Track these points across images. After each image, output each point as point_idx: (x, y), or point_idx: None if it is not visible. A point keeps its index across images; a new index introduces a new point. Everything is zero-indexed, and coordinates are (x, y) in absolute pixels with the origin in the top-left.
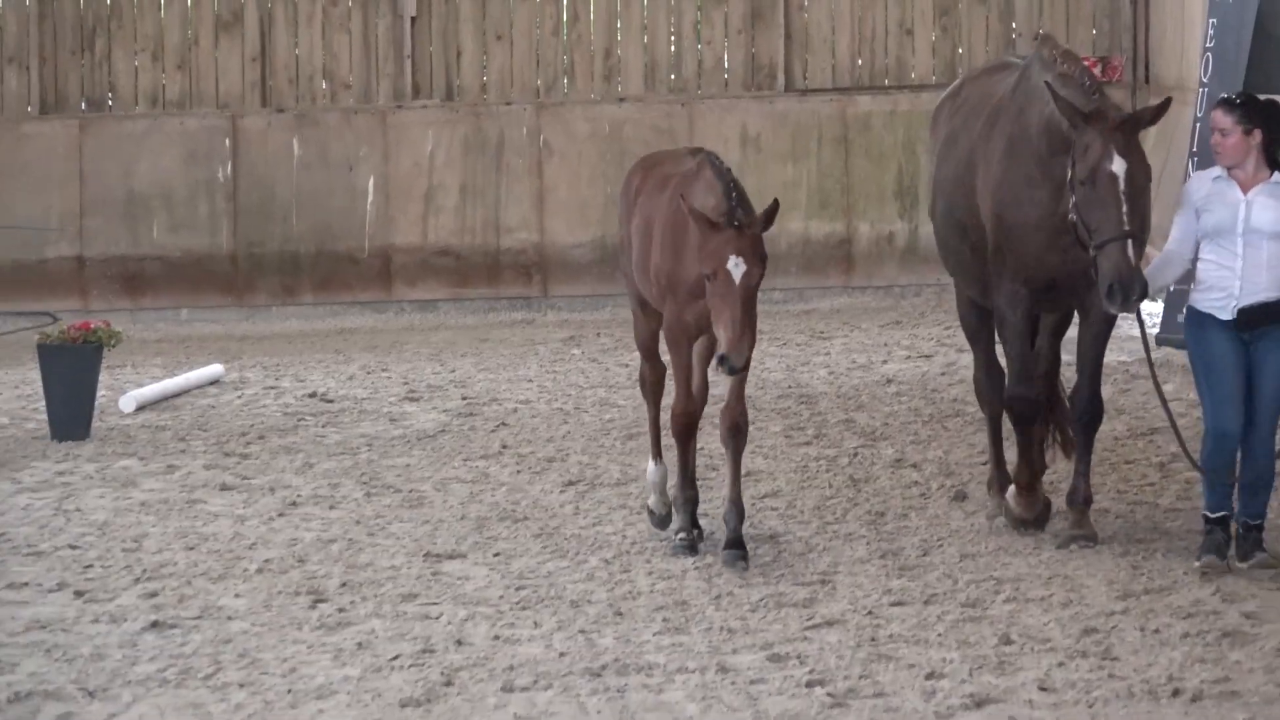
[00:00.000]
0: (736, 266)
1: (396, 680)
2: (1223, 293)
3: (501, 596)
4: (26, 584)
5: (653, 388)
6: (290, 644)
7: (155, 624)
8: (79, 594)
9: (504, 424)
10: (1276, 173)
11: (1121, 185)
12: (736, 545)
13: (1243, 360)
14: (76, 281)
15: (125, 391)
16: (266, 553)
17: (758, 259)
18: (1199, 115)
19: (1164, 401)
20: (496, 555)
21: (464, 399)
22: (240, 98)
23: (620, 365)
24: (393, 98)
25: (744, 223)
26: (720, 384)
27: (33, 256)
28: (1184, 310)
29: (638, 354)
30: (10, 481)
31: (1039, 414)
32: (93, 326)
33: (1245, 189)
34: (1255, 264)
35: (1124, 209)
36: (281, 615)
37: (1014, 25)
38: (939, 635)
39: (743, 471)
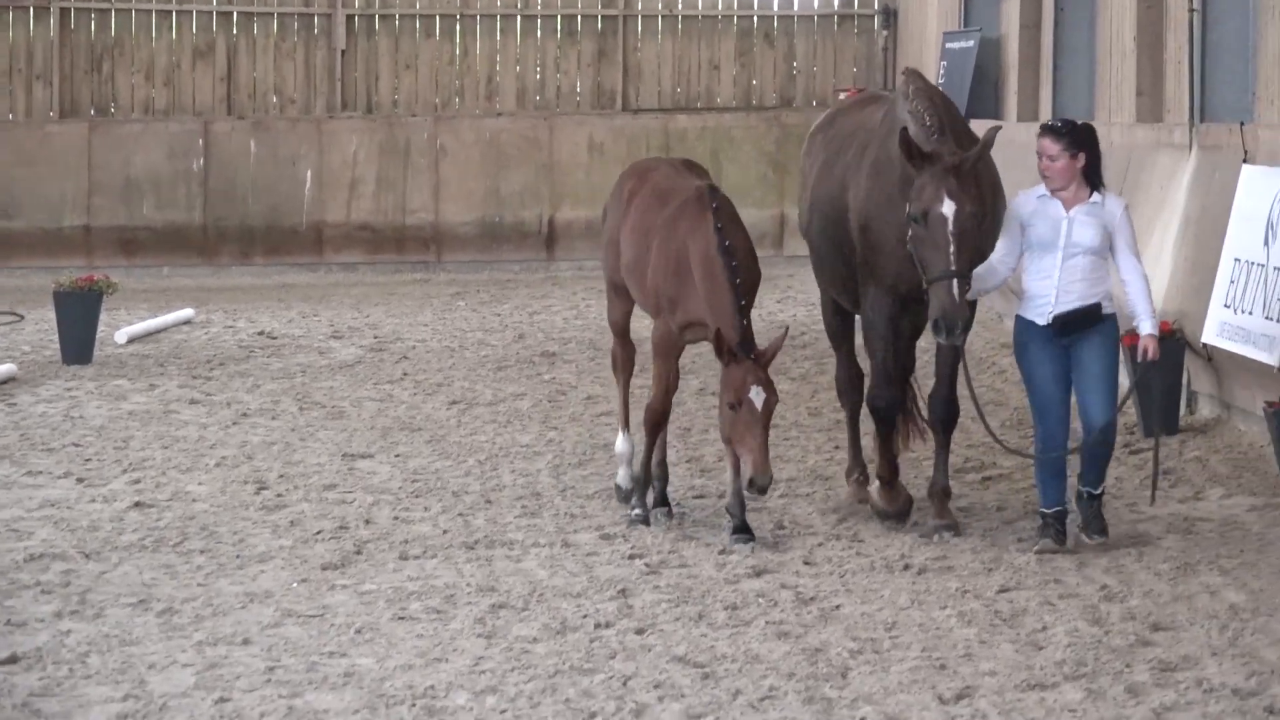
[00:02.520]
0: (758, 395)
1: (320, 549)
2: (1043, 300)
3: (400, 487)
4: (40, 472)
5: (624, 365)
6: (239, 521)
7: (138, 504)
8: (80, 480)
9: (405, 357)
10: (1095, 194)
11: (950, 226)
12: (742, 530)
13: (1063, 364)
14: (84, 244)
15: (119, 328)
16: (223, 451)
17: (773, 387)
18: None
19: (973, 395)
20: (397, 456)
21: (375, 338)
22: (211, 108)
23: (494, 314)
24: (326, 111)
25: (758, 354)
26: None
27: (53, 225)
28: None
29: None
30: (31, 394)
31: (897, 414)
32: (95, 278)
33: (1068, 207)
34: (1071, 276)
35: (951, 249)
36: (233, 499)
37: (795, 64)
38: (729, 521)
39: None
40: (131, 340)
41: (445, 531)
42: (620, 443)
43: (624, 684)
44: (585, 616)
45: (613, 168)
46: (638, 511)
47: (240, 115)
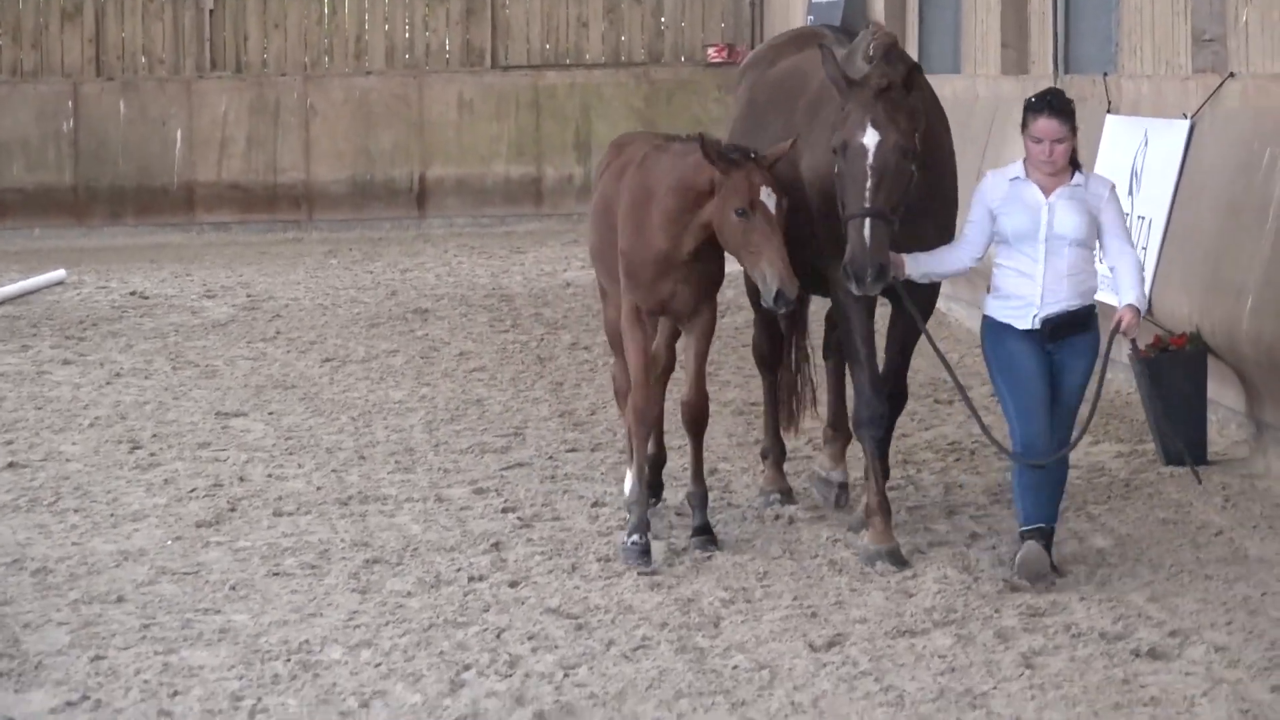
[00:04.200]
0: (769, 197)
1: (194, 507)
2: (1022, 301)
3: (274, 445)
4: None
5: (626, 389)
6: (113, 480)
7: (11, 464)
8: None
9: (278, 315)
10: (1078, 174)
11: (870, 159)
12: (704, 531)
13: (1045, 368)
14: None
15: None
16: (96, 411)
17: (782, 190)
18: None
19: (960, 388)
20: (271, 414)
21: (248, 296)
22: (80, 69)
23: (366, 272)
24: (196, 71)
25: (759, 157)
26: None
27: None
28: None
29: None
30: None
31: (891, 431)
32: None
33: (1047, 192)
34: (1056, 271)
35: (869, 184)
36: (107, 459)
37: (663, 19)
38: (602, 474)
39: (704, 457)
40: (2, 302)
41: (319, 488)
42: (629, 484)
43: (498, 636)
44: (459, 570)
45: (482, 125)
46: (634, 540)
47: (109, 76)
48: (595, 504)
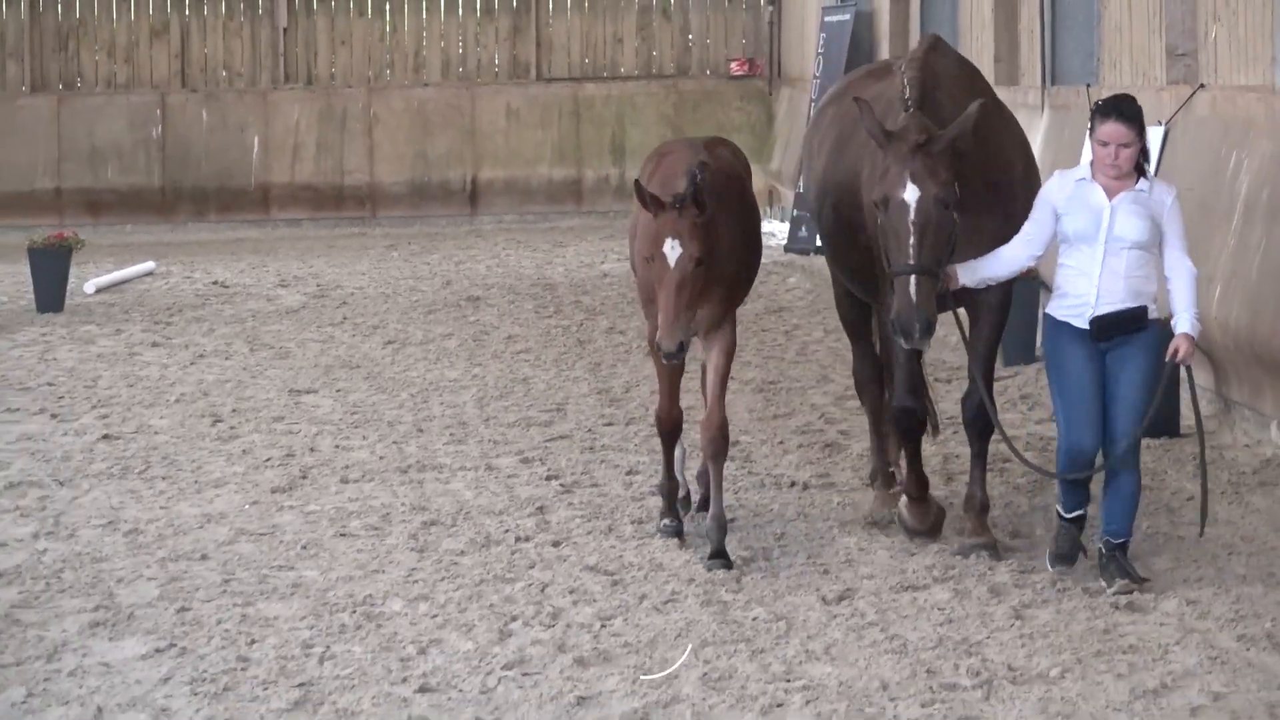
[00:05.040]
0: (673, 248)
1: (269, 475)
2: (1079, 300)
3: (341, 419)
4: (18, 409)
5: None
6: (197, 450)
7: (105, 436)
8: (54, 416)
9: (345, 303)
10: (1143, 179)
11: (912, 215)
12: (719, 555)
13: (1099, 371)
14: (55, 205)
15: (88, 279)
16: (182, 389)
17: (696, 240)
18: (813, 98)
19: (998, 424)
20: (338, 391)
21: (317, 285)
22: (167, 82)
23: (423, 264)
24: (271, 83)
25: (685, 205)
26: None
27: (26, 188)
28: (1044, 317)
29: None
30: (8, 340)
31: (925, 425)
32: (65, 235)
33: (1111, 195)
34: (1114, 272)
35: (912, 241)
36: (191, 431)
37: (690, 36)
38: (635, 445)
39: (724, 485)
40: (99, 290)
41: (381, 458)
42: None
43: (542, 590)
44: (507, 531)
45: (528, 132)
46: (665, 523)
47: (193, 88)
48: (629, 472)
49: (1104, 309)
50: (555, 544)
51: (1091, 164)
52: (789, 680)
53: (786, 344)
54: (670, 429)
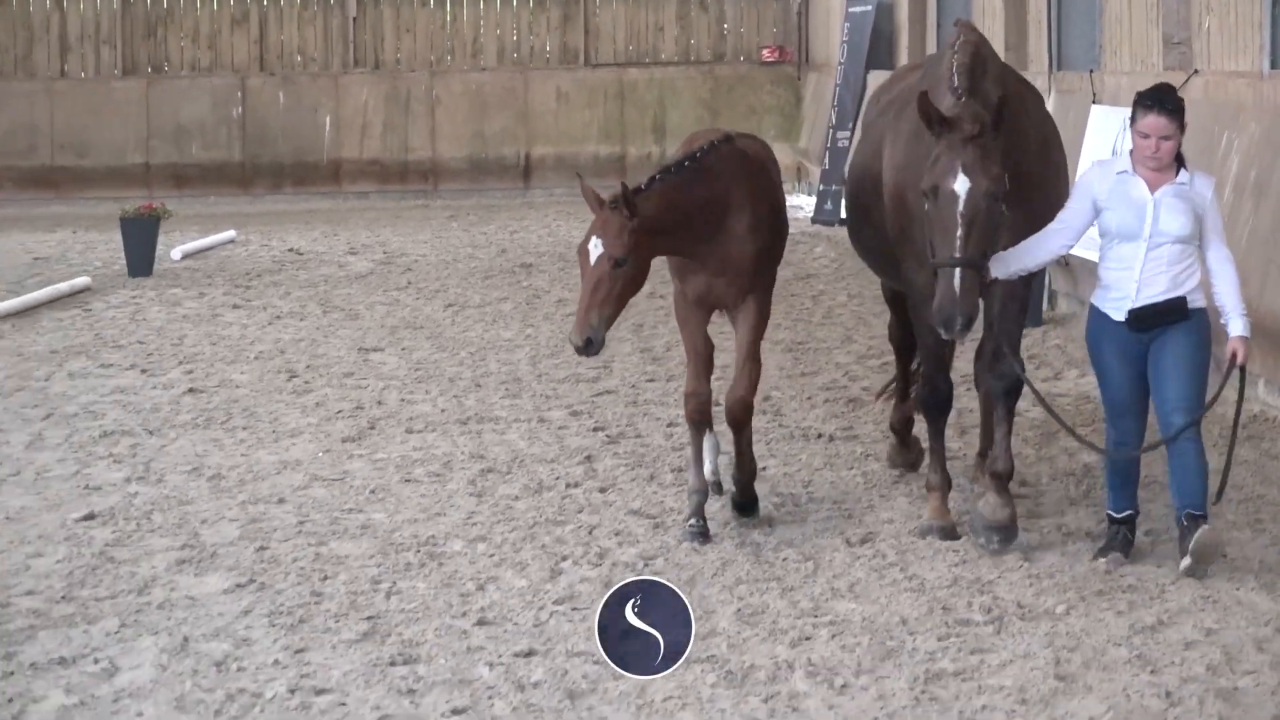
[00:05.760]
0: (595, 246)
1: (340, 425)
2: (1120, 293)
3: (406, 375)
4: (111, 365)
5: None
6: (274, 403)
7: (191, 390)
8: (144, 371)
9: (409, 269)
10: (1184, 171)
11: (961, 206)
12: (746, 503)
13: (1139, 364)
14: (144, 179)
15: (174, 247)
16: (260, 347)
17: (619, 242)
18: (838, 83)
19: (1054, 413)
20: (404, 349)
21: (384, 253)
22: (247, 66)
23: (481, 233)
24: (341, 67)
25: (618, 206)
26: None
27: (118, 163)
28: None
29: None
30: (102, 302)
31: (950, 407)
32: (154, 206)
33: (1153, 187)
34: (1156, 267)
35: (959, 233)
36: (269, 385)
37: (725, 25)
38: (675, 400)
39: (753, 452)
40: (184, 256)
41: (443, 410)
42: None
43: (590, 533)
44: (558, 478)
45: (576, 113)
46: (692, 524)
47: (271, 72)
48: (670, 424)
49: (1143, 301)
50: (602, 490)
51: (1131, 154)
52: (816, 615)
53: (814, 308)
54: (696, 409)
